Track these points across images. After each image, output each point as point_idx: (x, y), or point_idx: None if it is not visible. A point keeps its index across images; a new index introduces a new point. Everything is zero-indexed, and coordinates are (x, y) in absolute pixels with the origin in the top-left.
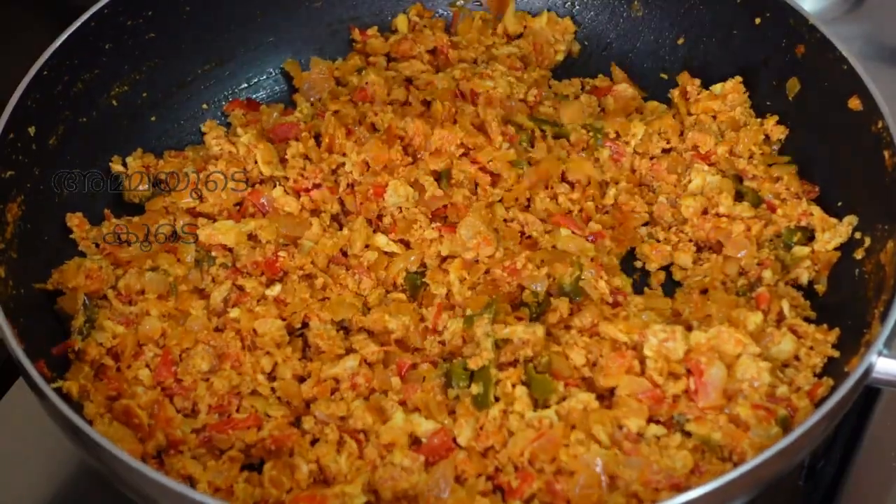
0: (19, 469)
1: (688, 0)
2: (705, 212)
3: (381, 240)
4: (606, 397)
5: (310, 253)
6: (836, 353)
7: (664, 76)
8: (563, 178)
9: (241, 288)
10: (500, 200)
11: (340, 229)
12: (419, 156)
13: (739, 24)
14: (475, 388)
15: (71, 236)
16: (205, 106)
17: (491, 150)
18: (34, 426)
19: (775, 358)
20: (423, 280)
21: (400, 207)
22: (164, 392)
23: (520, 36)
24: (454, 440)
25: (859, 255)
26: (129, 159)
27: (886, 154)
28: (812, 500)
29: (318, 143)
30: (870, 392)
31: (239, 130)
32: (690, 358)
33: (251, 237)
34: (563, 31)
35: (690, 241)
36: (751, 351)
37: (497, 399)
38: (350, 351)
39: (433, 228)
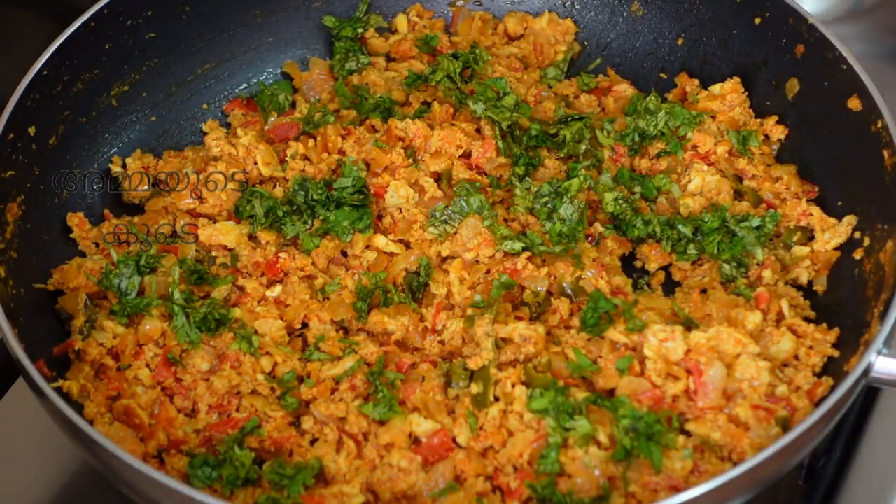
0: (19, 469)
1: (687, 0)
2: None
3: (380, 240)
4: (606, 398)
5: (310, 254)
6: (836, 353)
7: (664, 76)
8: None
9: (241, 288)
10: (500, 201)
11: None
12: (419, 157)
13: (739, 24)
14: (475, 388)
15: (71, 236)
16: (205, 106)
17: (491, 154)
18: (34, 426)
19: (775, 357)
20: (423, 280)
21: (400, 208)
22: (163, 392)
23: (520, 37)
24: (454, 440)
25: (859, 254)
26: (128, 160)
27: (886, 154)
28: (812, 500)
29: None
30: (870, 392)
31: (239, 131)
32: (690, 358)
33: (251, 238)
34: (564, 31)
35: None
36: (750, 350)
37: (497, 399)
38: (349, 351)
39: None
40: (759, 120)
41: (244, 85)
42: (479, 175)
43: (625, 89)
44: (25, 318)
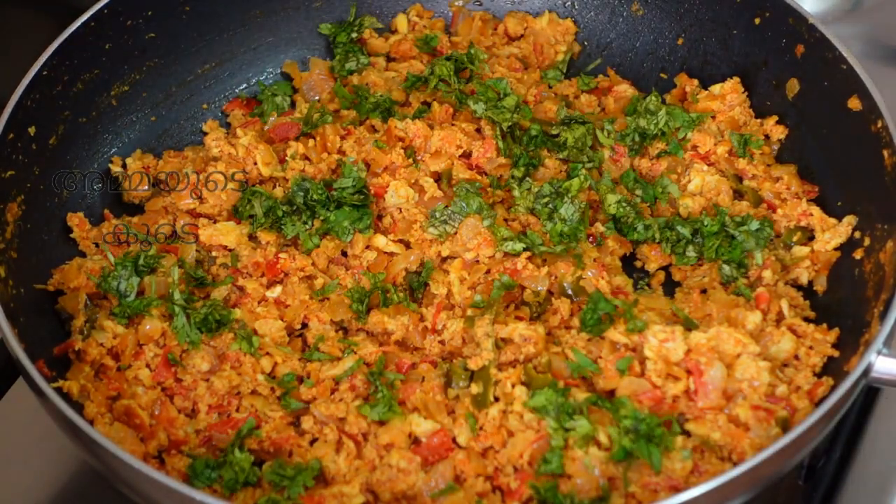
0: (19, 469)
1: (687, 0)
2: None
3: (380, 240)
4: (607, 398)
5: (310, 254)
6: (836, 353)
7: (664, 76)
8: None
9: (241, 289)
10: (500, 201)
11: None
12: (419, 157)
13: (739, 24)
14: (475, 388)
15: (71, 236)
16: (205, 106)
17: (491, 154)
18: (34, 426)
19: (775, 357)
20: (423, 280)
21: (400, 208)
22: (164, 392)
23: (520, 37)
24: (454, 440)
25: (859, 254)
26: (128, 160)
27: (886, 154)
28: (812, 500)
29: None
30: (870, 391)
31: (238, 131)
32: (690, 358)
33: (251, 238)
34: (564, 31)
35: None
36: (750, 351)
37: (497, 399)
38: (349, 352)
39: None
40: (759, 120)
41: (244, 85)
42: (480, 175)
43: (625, 89)
44: (25, 318)
